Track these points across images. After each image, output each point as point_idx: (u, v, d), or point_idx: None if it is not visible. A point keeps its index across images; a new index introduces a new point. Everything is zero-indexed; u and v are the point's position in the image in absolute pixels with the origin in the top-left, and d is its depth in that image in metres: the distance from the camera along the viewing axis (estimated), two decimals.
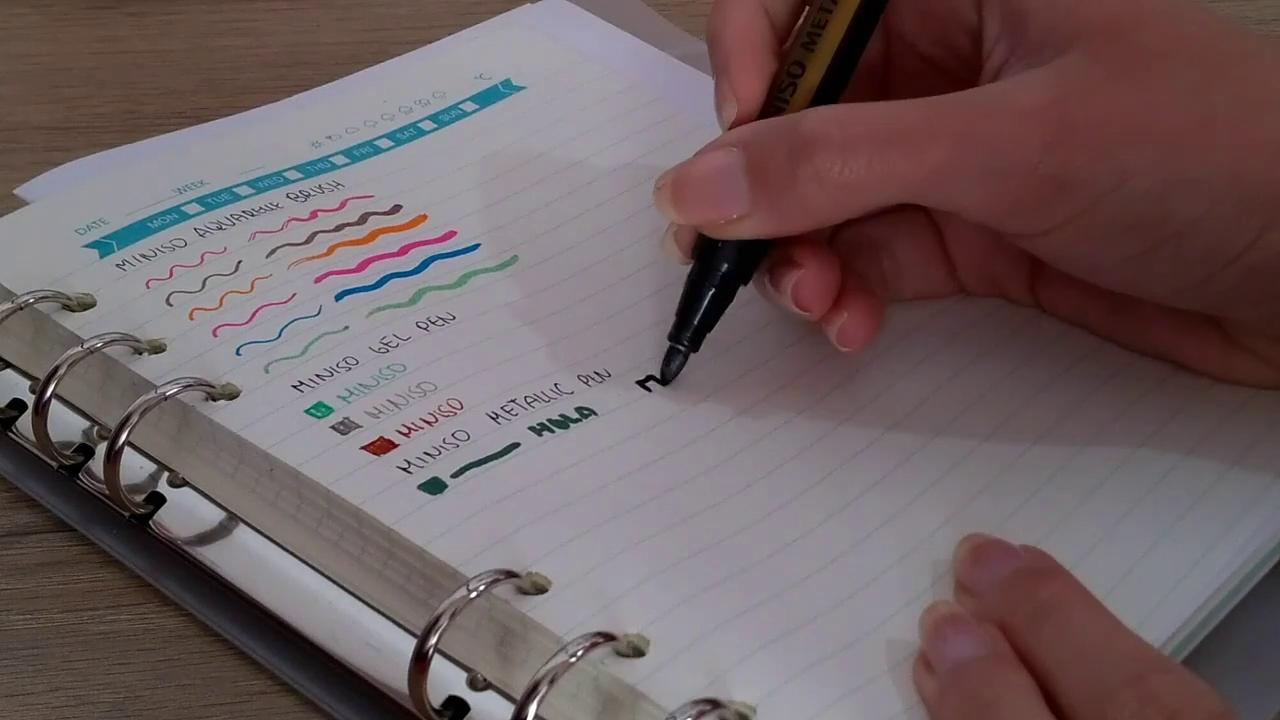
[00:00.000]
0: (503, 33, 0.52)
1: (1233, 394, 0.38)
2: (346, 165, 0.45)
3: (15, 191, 0.45)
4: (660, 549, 0.33)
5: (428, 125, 0.47)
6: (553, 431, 0.36)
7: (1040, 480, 0.36)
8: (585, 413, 0.37)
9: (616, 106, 0.48)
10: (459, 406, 0.37)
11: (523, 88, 0.49)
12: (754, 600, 0.32)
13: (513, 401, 0.37)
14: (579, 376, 0.38)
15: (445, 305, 0.40)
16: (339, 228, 0.42)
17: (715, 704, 0.30)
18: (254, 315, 0.39)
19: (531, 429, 0.36)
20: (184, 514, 0.37)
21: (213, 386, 0.37)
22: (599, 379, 0.38)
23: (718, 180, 0.35)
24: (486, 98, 0.48)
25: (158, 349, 0.38)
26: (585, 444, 0.36)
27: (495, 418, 0.37)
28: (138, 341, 0.38)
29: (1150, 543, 0.34)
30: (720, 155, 0.35)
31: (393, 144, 0.46)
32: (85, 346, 0.37)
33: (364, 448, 0.35)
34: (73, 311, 0.39)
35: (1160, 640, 0.32)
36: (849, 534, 0.34)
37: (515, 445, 0.36)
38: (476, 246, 0.42)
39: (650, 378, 0.38)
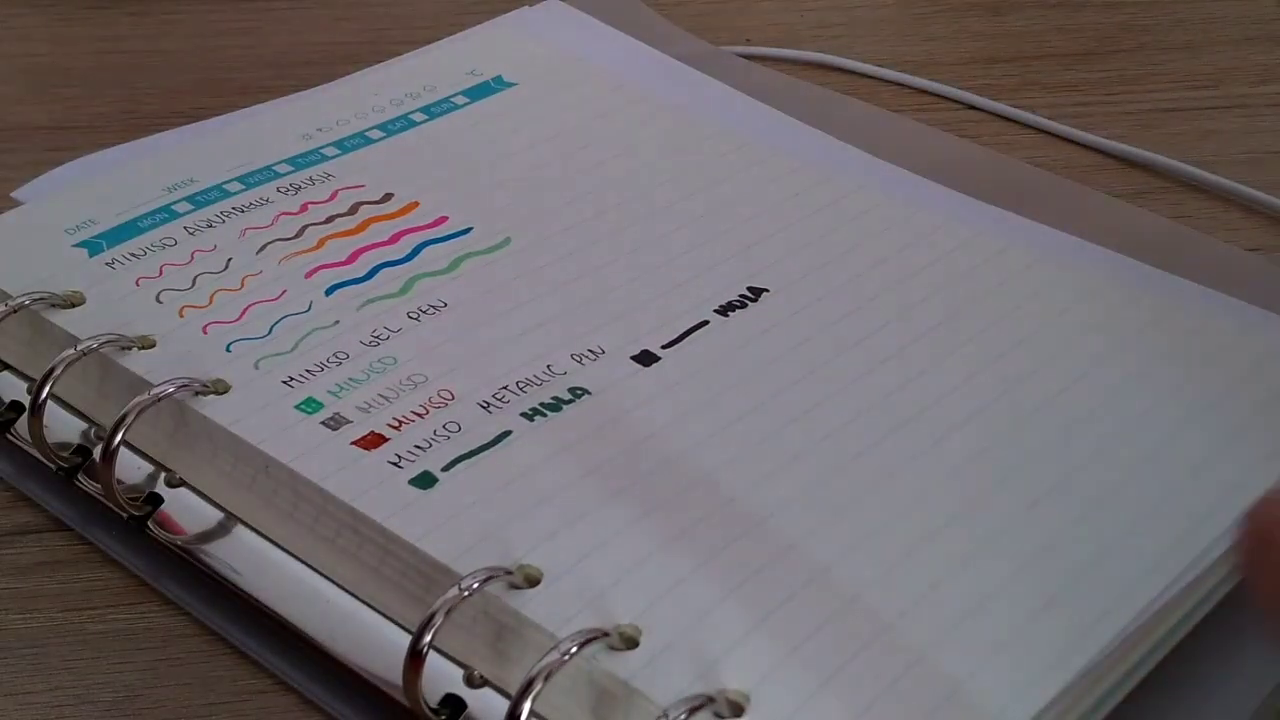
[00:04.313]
0: (497, 33, 0.49)
1: None
2: (337, 156, 0.42)
3: (12, 194, 0.42)
4: (649, 531, 0.31)
5: (418, 117, 0.44)
6: (545, 415, 0.34)
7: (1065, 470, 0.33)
8: (578, 393, 0.34)
9: (610, 103, 0.46)
10: (450, 397, 0.34)
11: (514, 84, 0.46)
12: (740, 577, 0.30)
13: (504, 388, 0.34)
14: (572, 355, 0.35)
15: (437, 292, 0.37)
16: (329, 219, 0.40)
17: (708, 699, 0.27)
18: (244, 313, 0.36)
19: (524, 415, 0.33)
20: (181, 513, 0.34)
21: (203, 384, 0.34)
22: (592, 356, 0.35)
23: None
24: (478, 92, 0.46)
25: (148, 346, 0.35)
26: (577, 426, 0.33)
27: (486, 406, 0.34)
28: (128, 340, 0.35)
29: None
30: None
31: (383, 134, 0.44)
32: (79, 349, 0.34)
33: (354, 443, 0.33)
34: (62, 310, 0.36)
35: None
36: (835, 500, 0.32)
37: (507, 434, 0.33)
38: (469, 230, 0.39)
39: (645, 351, 0.36)
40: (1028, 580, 0.30)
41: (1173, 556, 0.31)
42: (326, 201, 0.40)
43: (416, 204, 0.40)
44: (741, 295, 0.37)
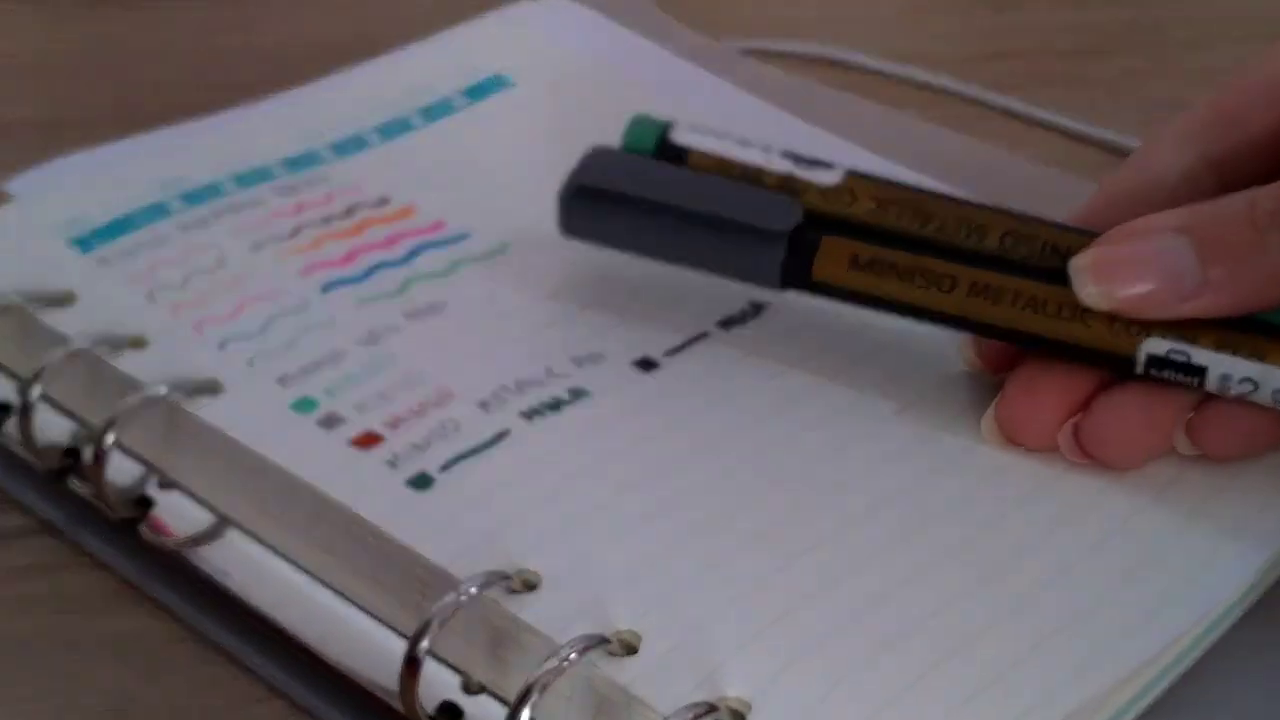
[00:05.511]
0: (495, 29, 0.49)
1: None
2: (333, 160, 0.42)
3: (4, 187, 0.41)
4: (649, 534, 0.30)
5: (416, 120, 0.44)
6: (544, 415, 0.33)
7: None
8: (578, 394, 0.34)
9: (609, 101, 0.44)
10: (448, 396, 0.34)
11: (514, 83, 0.46)
12: (745, 584, 0.29)
13: (503, 388, 0.34)
14: (572, 358, 0.35)
15: (434, 294, 0.37)
16: (325, 220, 0.39)
17: (710, 706, 0.27)
18: (238, 310, 0.36)
19: (522, 414, 0.33)
20: (173, 516, 0.33)
21: (196, 384, 0.33)
22: (593, 360, 0.35)
23: (1161, 258, 0.31)
24: (476, 93, 0.45)
25: (139, 345, 0.35)
26: (576, 425, 0.33)
27: (485, 405, 0.33)
28: (120, 339, 0.35)
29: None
30: (1158, 236, 0.31)
31: (380, 138, 0.43)
32: (70, 348, 0.34)
33: (350, 442, 0.32)
34: (53, 308, 0.36)
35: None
36: (845, 511, 0.31)
37: (505, 433, 0.33)
38: (466, 235, 0.39)
39: (646, 358, 0.35)
40: (1038, 602, 0.30)
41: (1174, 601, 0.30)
42: (322, 203, 0.40)
43: (413, 208, 0.40)
44: (743, 309, 0.37)
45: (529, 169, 0.42)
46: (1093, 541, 0.31)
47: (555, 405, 0.33)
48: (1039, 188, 0.44)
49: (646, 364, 0.35)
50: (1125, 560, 0.31)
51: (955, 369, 0.35)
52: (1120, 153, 0.48)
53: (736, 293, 0.37)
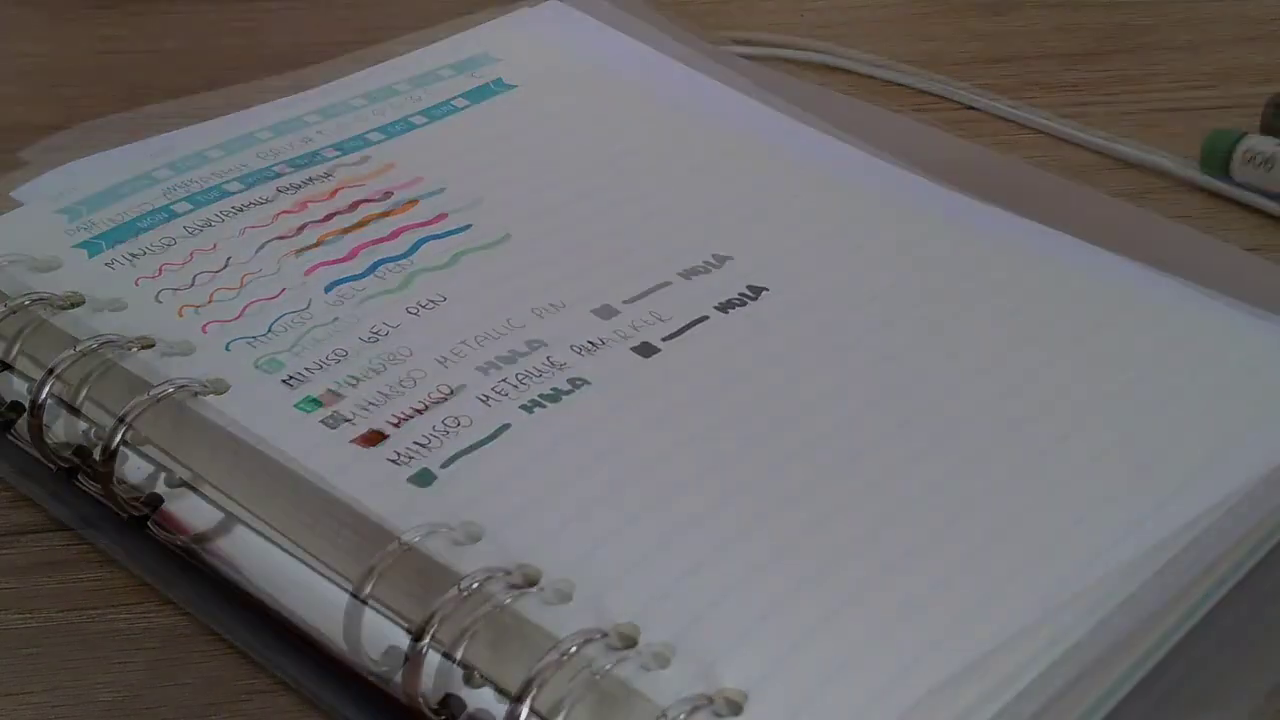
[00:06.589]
0: (497, 34, 0.49)
1: None
2: (337, 157, 0.42)
3: (11, 194, 0.42)
4: (646, 528, 0.31)
5: (419, 119, 0.44)
6: (544, 407, 0.33)
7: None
8: (578, 383, 0.34)
9: (610, 104, 0.45)
10: (449, 391, 0.34)
11: (514, 86, 0.46)
12: (742, 575, 0.30)
13: (504, 381, 0.34)
14: (572, 347, 0.35)
15: (436, 287, 0.37)
16: (329, 217, 0.40)
17: (708, 699, 0.27)
18: (243, 311, 0.36)
19: (523, 407, 0.33)
20: (181, 513, 0.33)
21: (202, 383, 0.34)
22: (592, 348, 0.35)
23: None
24: (477, 95, 0.46)
25: (146, 346, 0.35)
26: (576, 416, 0.33)
27: (486, 399, 0.34)
28: (127, 340, 0.35)
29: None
30: None
31: (383, 137, 0.43)
32: (79, 349, 0.34)
33: (354, 441, 0.32)
34: (62, 310, 0.36)
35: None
36: (841, 497, 0.31)
37: (506, 427, 0.33)
38: (468, 227, 0.39)
39: (645, 343, 0.36)
40: (1029, 587, 0.30)
41: (1166, 565, 0.30)
42: (326, 199, 0.40)
43: (415, 202, 0.40)
44: (741, 293, 0.37)
45: (530, 166, 0.43)
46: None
47: (555, 396, 0.34)
48: (1030, 189, 0.45)
49: (646, 349, 0.35)
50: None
51: (945, 367, 0.35)
52: (1112, 156, 0.48)
53: (734, 276, 0.38)
